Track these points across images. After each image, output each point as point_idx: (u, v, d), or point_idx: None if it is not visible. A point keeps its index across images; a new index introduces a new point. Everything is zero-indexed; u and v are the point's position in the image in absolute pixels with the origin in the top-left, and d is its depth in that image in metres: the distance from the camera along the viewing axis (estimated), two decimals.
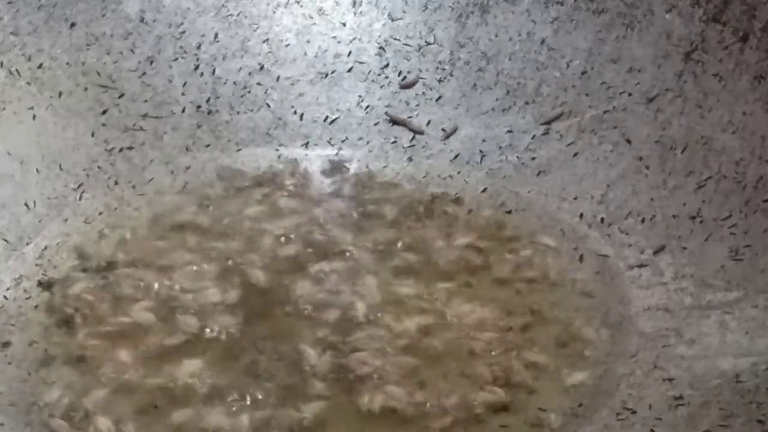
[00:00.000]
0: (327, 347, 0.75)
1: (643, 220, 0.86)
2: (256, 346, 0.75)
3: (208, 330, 0.76)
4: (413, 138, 0.94)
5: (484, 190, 0.90)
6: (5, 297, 0.80)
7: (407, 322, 0.78)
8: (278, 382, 0.73)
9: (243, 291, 0.80)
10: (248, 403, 0.72)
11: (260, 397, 0.72)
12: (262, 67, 0.96)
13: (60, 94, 0.91)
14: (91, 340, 0.76)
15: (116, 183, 0.89)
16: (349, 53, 0.97)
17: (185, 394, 0.72)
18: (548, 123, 0.92)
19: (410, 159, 0.93)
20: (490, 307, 0.79)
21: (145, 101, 0.93)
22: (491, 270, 0.83)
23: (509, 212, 0.88)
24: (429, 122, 0.95)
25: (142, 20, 0.94)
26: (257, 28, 0.96)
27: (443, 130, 0.94)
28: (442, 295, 0.80)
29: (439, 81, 0.96)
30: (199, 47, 0.95)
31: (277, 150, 0.93)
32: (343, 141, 0.94)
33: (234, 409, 0.71)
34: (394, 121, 0.93)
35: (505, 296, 0.81)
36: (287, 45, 0.96)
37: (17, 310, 0.79)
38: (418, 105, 0.95)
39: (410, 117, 0.94)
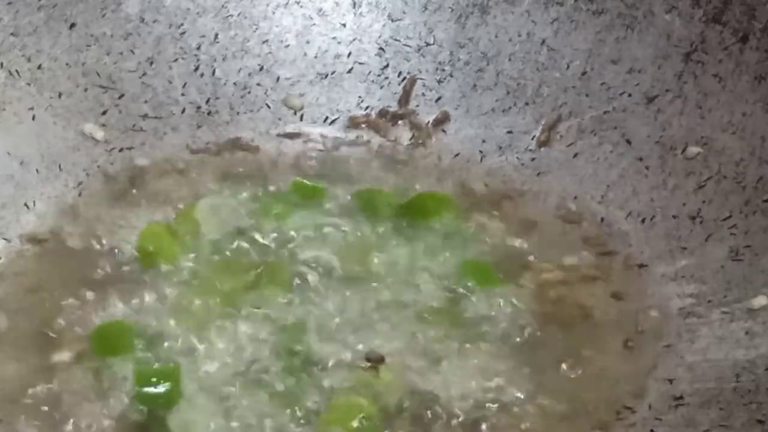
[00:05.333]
0: None
1: (643, 221, 0.86)
2: None
3: None
4: (413, 137, 0.94)
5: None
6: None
7: None
8: None
9: None
10: None
11: None
12: (262, 68, 0.95)
13: (60, 94, 0.91)
14: None
15: (116, 181, 0.89)
16: (349, 54, 0.97)
17: None
18: (549, 130, 0.92)
19: (409, 157, 0.93)
20: None
21: (145, 102, 0.93)
22: None
23: (509, 213, 0.88)
24: (428, 123, 0.95)
25: (142, 21, 0.94)
26: (257, 28, 0.96)
27: (435, 118, 0.94)
28: None
29: (439, 82, 0.96)
30: (199, 48, 0.95)
31: (277, 150, 0.93)
32: (343, 140, 0.94)
33: None
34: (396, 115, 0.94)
35: None
36: (287, 46, 0.96)
37: None
38: (418, 105, 0.95)
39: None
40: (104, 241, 0.83)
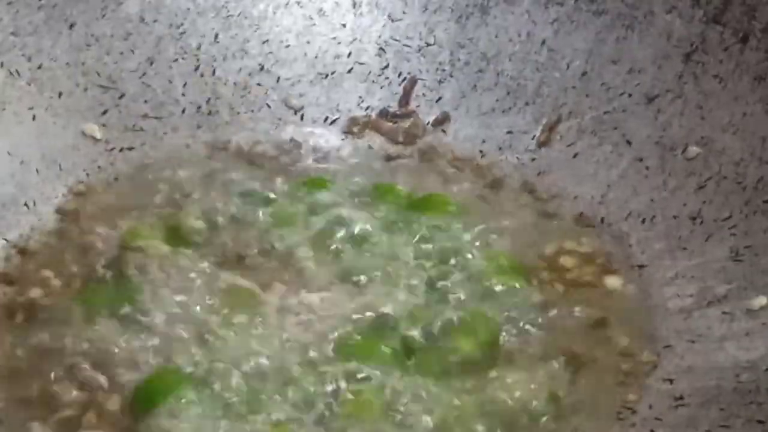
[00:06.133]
0: None
1: (643, 221, 0.86)
2: None
3: None
4: (412, 137, 0.94)
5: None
6: (4, 293, 0.80)
7: None
8: None
9: None
10: None
11: None
12: (262, 68, 0.96)
13: (60, 94, 0.91)
14: None
15: (116, 180, 0.89)
16: (349, 54, 0.97)
17: None
18: (549, 130, 0.92)
19: (410, 157, 0.93)
20: None
21: (145, 102, 0.93)
22: None
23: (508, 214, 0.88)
24: (428, 123, 0.95)
25: (142, 21, 0.94)
26: (257, 28, 0.96)
27: (435, 119, 0.94)
28: None
29: (439, 82, 0.96)
30: (199, 48, 0.95)
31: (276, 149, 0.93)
32: (342, 140, 0.94)
33: None
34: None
35: None
36: (287, 46, 0.96)
37: None
38: (418, 106, 0.95)
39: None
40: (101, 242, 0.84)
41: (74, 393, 0.73)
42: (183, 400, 0.71)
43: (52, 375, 0.74)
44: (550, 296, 0.80)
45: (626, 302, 0.81)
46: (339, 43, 0.97)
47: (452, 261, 0.81)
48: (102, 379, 0.73)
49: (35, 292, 0.80)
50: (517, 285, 0.80)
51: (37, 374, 0.74)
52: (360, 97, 0.96)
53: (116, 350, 0.75)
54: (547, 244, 0.85)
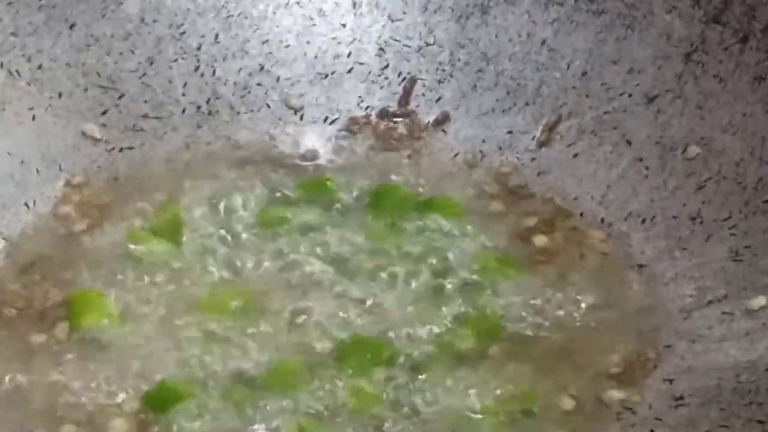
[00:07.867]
0: None
1: (643, 221, 0.86)
2: None
3: None
4: (412, 137, 0.94)
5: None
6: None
7: None
8: None
9: None
10: None
11: None
12: (262, 68, 0.96)
13: (60, 94, 0.91)
14: None
15: (116, 180, 0.89)
16: (349, 54, 0.97)
17: None
18: (549, 130, 0.92)
19: (409, 157, 0.93)
20: None
21: (145, 102, 0.93)
22: None
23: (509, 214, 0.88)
24: (428, 123, 0.95)
25: (142, 21, 0.94)
26: (257, 29, 0.96)
27: (435, 119, 0.94)
28: None
29: (439, 82, 0.96)
30: (199, 48, 0.95)
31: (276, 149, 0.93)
32: (342, 140, 0.94)
33: None
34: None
35: None
36: (287, 46, 0.96)
37: None
38: (418, 106, 0.95)
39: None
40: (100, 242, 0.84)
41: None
42: (186, 406, 0.71)
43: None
44: (548, 291, 0.80)
45: (625, 301, 0.81)
46: (339, 43, 0.97)
47: (452, 260, 0.81)
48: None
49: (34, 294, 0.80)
50: (516, 280, 0.80)
51: None
52: (360, 97, 0.96)
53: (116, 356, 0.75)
54: (546, 242, 0.85)
